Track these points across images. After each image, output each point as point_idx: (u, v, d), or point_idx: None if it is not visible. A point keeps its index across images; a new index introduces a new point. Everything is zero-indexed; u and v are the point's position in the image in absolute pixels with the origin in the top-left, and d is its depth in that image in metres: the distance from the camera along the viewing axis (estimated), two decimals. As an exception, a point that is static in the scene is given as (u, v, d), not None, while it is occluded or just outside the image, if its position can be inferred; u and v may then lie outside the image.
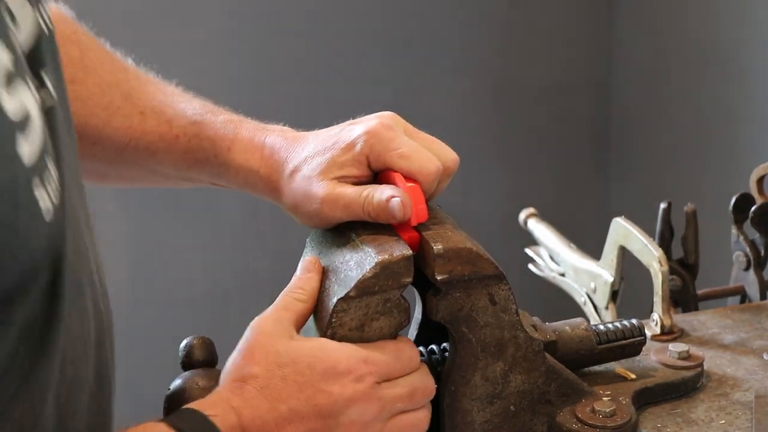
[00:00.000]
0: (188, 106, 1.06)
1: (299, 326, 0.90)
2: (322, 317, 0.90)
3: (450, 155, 0.99)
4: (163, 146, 1.05)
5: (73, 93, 1.03)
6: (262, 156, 1.01)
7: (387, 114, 0.99)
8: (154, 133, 1.05)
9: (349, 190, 0.95)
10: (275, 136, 1.02)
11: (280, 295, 0.92)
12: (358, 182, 0.97)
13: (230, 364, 0.87)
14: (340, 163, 0.96)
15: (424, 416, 0.92)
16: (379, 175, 0.97)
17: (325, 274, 0.93)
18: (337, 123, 1.01)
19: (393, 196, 0.93)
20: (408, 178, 0.94)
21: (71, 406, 0.79)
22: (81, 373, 0.81)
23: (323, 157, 0.97)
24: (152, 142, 1.05)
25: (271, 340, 0.87)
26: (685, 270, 1.30)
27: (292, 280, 0.93)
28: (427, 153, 0.96)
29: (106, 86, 1.07)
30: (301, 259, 0.98)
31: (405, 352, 0.91)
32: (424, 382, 0.91)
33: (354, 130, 0.97)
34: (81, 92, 1.05)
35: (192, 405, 0.84)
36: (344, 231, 0.95)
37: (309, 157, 0.98)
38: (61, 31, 1.05)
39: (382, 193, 0.93)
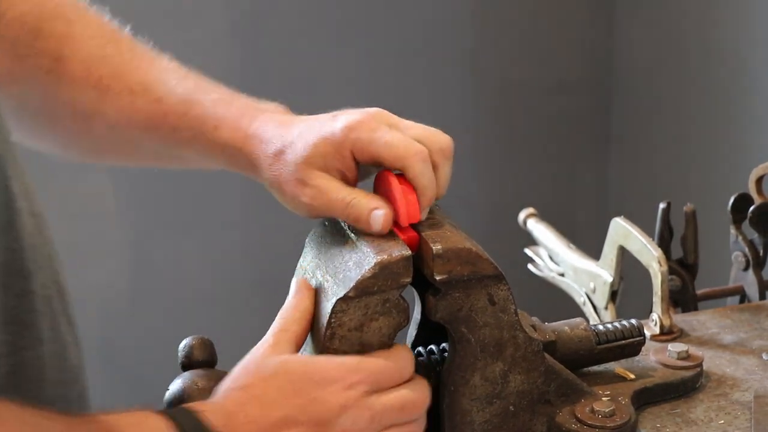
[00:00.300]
0: (180, 84, 1.05)
1: (298, 346, 0.91)
2: (321, 317, 0.90)
3: (442, 138, 0.98)
4: (152, 124, 1.04)
5: (61, 70, 1.04)
6: (246, 135, 1.01)
7: (372, 109, 0.99)
8: (144, 111, 1.04)
9: (339, 190, 0.95)
10: (264, 118, 1.02)
11: (275, 319, 0.92)
12: (344, 177, 0.97)
13: (227, 379, 0.88)
14: (323, 153, 0.96)
15: (416, 430, 0.91)
16: (375, 177, 0.97)
17: (323, 275, 0.93)
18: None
19: (376, 209, 0.93)
20: (402, 180, 0.94)
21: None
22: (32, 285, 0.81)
23: (307, 144, 0.97)
24: (142, 120, 1.05)
25: (266, 357, 0.88)
26: (684, 270, 1.30)
27: (285, 302, 0.93)
28: (410, 140, 0.96)
29: (94, 62, 1.06)
30: (299, 261, 0.98)
31: (399, 362, 0.90)
32: (417, 395, 0.91)
33: (337, 122, 0.97)
34: (69, 70, 1.05)
35: (185, 405, 0.85)
36: (343, 231, 0.95)
37: (294, 141, 0.98)
38: (46, 7, 1.06)
39: (368, 202, 0.94)
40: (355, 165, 0.97)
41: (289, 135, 0.99)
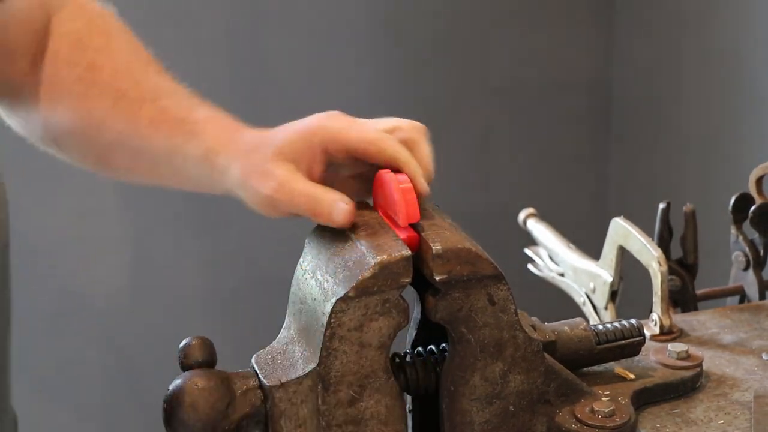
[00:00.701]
0: (191, 101, 1.10)
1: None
2: (320, 317, 0.90)
3: (413, 121, 1.01)
4: (153, 129, 1.09)
5: (91, 79, 1.13)
6: (230, 139, 1.04)
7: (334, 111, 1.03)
8: (149, 117, 1.09)
9: (302, 182, 0.97)
10: (248, 128, 1.06)
11: None
12: (311, 172, 0.99)
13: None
14: (292, 141, 0.99)
15: None
16: (374, 179, 0.98)
17: (323, 275, 0.93)
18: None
19: (339, 201, 0.95)
20: (401, 180, 0.95)
21: None
22: None
23: (279, 137, 1.00)
24: (145, 126, 1.09)
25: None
26: (684, 270, 1.30)
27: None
28: (379, 128, 0.99)
29: (121, 73, 1.13)
30: (299, 261, 0.98)
31: None
32: None
33: (307, 119, 1.01)
34: (98, 78, 1.12)
35: None
36: (343, 231, 0.95)
37: (269, 138, 1.01)
38: (93, 23, 1.16)
39: (331, 195, 0.96)
40: (323, 159, 0.99)
41: (266, 135, 1.02)
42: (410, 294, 0.94)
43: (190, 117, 1.07)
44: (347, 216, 0.95)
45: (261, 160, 0.99)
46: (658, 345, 1.11)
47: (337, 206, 0.95)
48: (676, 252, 1.30)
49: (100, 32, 1.15)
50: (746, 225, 1.31)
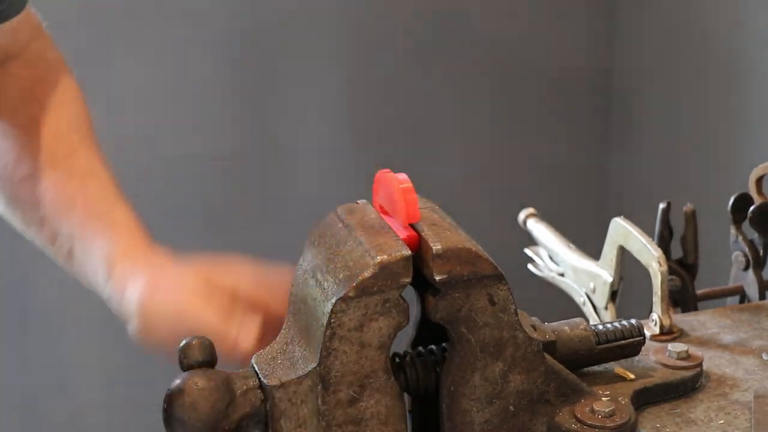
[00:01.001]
0: (115, 197, 1.13)
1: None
2: (320, 317, 0.90)
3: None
4: (66, 209, 1.11)
5: (32, 132, 1.13)
6: (136, 249, 1.09)
7: None
8: (69, 193, 1.11)
9: (214, 307, 1.03)
10: (155, 244, 1.11)
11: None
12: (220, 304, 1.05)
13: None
14: (205, 270, 1.07)
15: None
16: (375, 179, 0.98)
17: (323, 275, 0.93)
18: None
19: (244, 334, 1.01)
20: (402, 180, 0.95)
21: None
22: None
23: (192, 262, 1.07)
24: (65, 200, 1.11)
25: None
26: (684, 270, 1.30)
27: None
28: None
29: (59, 140, 1.14)
30: (299, 261, 0.98)
31: None
32: None
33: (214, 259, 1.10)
34: (39, 133, 1.13)
35: None
36: (343, 231, 0.95)
37: (177, 260, 1.07)
38: (48, 80, 1.15)
39: (237, 325, 1.02)
40: (230, 297, 1.05)
41: (176, 258, 1.08)
42: (410, 294, 0.94)
43: (107, 215, 1.09)
44: (251, 348, 1.00)
45: (173, 276, 1.04)
46: (658, 345, 1.11)
47: (243, 339, 1.00)
48: (676, 252, 1.30)
49: (50, 89, 1.15)
50: (746, 225, 1.31)
